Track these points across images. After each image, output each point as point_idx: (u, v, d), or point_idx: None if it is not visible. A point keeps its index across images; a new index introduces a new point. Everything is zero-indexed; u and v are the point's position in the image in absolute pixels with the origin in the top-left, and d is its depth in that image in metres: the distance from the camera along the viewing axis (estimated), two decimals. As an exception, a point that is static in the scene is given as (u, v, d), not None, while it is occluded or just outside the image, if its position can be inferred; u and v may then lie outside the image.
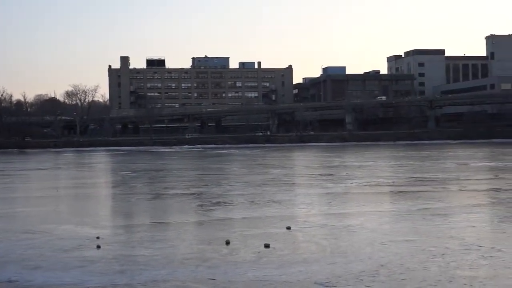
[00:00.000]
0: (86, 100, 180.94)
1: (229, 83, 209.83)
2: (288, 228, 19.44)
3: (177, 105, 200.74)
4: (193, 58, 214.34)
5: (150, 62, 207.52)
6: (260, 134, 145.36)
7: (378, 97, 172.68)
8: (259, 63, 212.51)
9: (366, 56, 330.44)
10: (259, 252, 15.82)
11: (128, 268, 14.48)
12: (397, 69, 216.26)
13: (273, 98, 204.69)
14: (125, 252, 16.34)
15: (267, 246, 16.48)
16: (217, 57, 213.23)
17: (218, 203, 26.96)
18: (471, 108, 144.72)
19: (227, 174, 47.74)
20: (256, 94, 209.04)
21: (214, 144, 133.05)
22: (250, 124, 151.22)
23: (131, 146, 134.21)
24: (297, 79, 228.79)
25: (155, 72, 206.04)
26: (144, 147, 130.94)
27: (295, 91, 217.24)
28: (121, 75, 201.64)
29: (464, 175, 39.42)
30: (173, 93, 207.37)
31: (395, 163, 56.77)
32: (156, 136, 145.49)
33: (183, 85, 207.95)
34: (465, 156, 66.54)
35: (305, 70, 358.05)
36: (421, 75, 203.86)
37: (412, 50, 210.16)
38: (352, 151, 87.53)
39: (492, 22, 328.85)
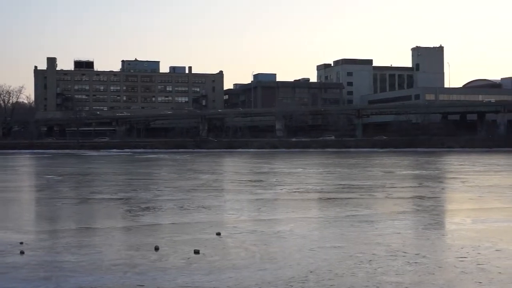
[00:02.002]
0: (10, 101, 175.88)
1: (159, 87, 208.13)
2: (218, 234, 19.35)
3: (105, 108, 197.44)
4: (122, 61, 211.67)
5: (78, 64, 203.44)
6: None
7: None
8: (189, 67, 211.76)
9: (296, 64, 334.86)
10: (188, 258, 15.67)
11: (53, 274, 14.05)
12: (326, 77, 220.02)
13: (204, 104, 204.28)
14: (50, 258, 15.86)
15: (196, 252, 16.35)
16: (147, 61, 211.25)
17: (147, 208, 26.59)
18: (397, 118, 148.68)
19: (156, 179, 47.21)
20: (187, 99, 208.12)
21: (143, 149, 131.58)
22: (180, 128, 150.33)
23: (57, 149, 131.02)
24: (228, 85, 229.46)
25: (83, 74, 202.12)
26: (71, 150, 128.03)
27: (226, 97, 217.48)
28: (47, 77, 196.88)
29: (390, 183, 40.35)
30: (102, 96, 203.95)
31: (324, 170, 57.58)
32: (84, 140, 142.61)
33: (112, 88, 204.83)
34: (391, 164, 68.17)
35: (236, 76, 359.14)
36: (350, 84, 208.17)
37: (341, 59, 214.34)
38: (281, 158, 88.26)
39: (418, 34, 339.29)
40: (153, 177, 50.34)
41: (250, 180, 44.77)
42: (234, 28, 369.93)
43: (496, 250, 16.45)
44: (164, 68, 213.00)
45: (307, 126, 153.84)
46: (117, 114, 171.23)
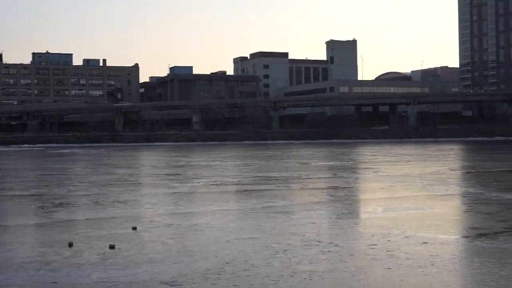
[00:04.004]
0: None
1: (73, 80, 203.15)
2: (134, 228, 19.18)
3: (15, 102, 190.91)
4: (33, 54, 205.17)
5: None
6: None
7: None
8: (104, 60, 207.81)
9: (213, 57, 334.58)
10: (103, 254, 15.47)
11: (-40, 274, 13.54)
12: (243, 70, 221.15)
13: (119, 97, 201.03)
14: (-43, 258, 15.26)
15: (112, 247, 16.15)
16: (59, 53, 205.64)
17: (60, 204, 25.98)
18: (312, 110, 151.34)
19: (70, 175, 46.18)
20: (101, 92, 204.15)
21: (56, 143, 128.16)
22: (95, 122, 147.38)
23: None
24: (143, 78, 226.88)
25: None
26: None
27: (142, 90, 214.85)
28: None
29: (306, 174, 41.07)
30: (11, 90, 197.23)
31: (241, 162, 57.93)
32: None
33: (22, 81, 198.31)
34: (307, 155, 69.31)
35: (152, 69, 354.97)
36: (266, 76, 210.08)
37: (258, 52, 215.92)
38: (199, 151, 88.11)
39: (332, 28, 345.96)
40: (67, 172, 49.22)
41: (167, 174, 44.52)
42: (149, 20, 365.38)
43: (405, 237, 17.09)
44: (77, 61, 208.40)
45: (224, 119, 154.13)
46: (29, 108, 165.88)
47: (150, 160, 68.15)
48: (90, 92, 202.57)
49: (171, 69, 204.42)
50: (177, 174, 43.79)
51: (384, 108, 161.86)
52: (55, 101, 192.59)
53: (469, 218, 21.58)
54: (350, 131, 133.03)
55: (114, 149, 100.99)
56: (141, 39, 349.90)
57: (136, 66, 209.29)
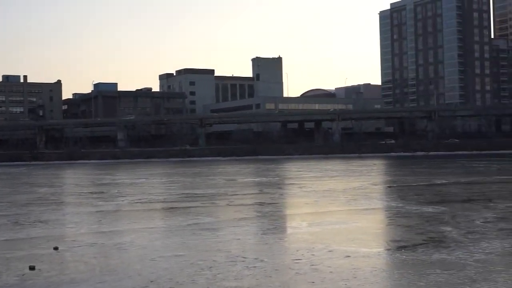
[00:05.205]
0: None
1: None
2: (56, 248, 18.70)
3: None
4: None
5: None
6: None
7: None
8: (25, 76, 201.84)
9: (138, 74, 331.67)
10: (23, 275, 15.01)
11: None
12: (169, 87, 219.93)
13: (41, 114, 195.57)
14: None
15: (32, 268, 15.69)
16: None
17: (-23, 225, 25.03)
18: (239, 126, 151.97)
19: (-12, 194, 44.54)
20: (22, 110, 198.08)
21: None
22: (16, 140, 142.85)
23: None
24: (66, 94, 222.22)
25: None
26: None
27: (65, 107, 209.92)
28: None
29: (232, 191, 41.14)
30: None
31: (167, 179, 57.46)
32: None
33: None
34: (233, 172, 69.46)
35: (75, 85, 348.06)
36: (192, 93, 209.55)
37: (183, 69, 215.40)
38: (124, 168, 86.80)
39: (258, 45, 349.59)
40: (-14, 192, 47.46)
41: (90, 192, 43.64)
42: (72, 35, 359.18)
43: (329, 251, 17.38)
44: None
45: (151, 135, 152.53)
46: None
47: (74, 179, 66.65)
48: (10, 109, 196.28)
49: (95, 85, 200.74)
50: (101, 192, 43.01)
51: (310, 125, 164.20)
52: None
53: (390, 231, 22.16)
54: (276, 148, 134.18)
55: (36, 168, 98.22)
56: (64, 55, 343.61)
57: (58, 83, 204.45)
